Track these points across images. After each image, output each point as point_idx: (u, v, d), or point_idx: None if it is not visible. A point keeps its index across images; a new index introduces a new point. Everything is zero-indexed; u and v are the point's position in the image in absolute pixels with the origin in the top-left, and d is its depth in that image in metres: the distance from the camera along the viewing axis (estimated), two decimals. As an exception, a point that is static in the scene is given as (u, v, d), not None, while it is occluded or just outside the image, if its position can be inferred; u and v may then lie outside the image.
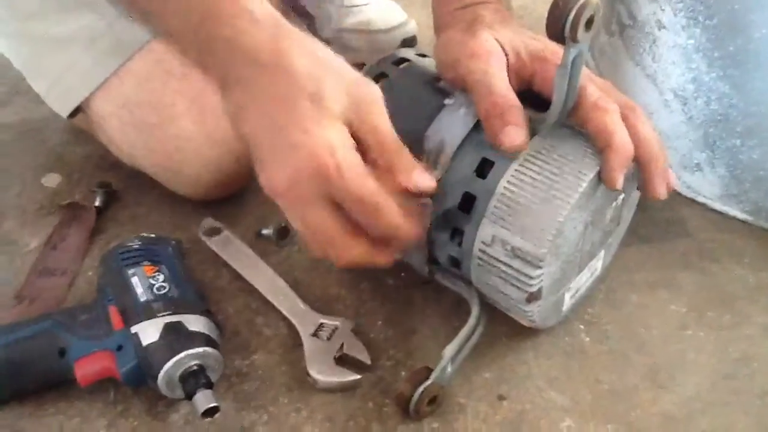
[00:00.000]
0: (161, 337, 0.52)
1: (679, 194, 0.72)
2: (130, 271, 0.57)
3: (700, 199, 0.71)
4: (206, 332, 0.53)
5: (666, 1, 0.66)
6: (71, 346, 0.53)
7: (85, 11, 0.64)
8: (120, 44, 0.63)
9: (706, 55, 0.66)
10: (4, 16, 0.67)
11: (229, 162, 0.66)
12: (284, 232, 0.68)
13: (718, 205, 0.70)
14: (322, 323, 0.58)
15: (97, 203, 0.71)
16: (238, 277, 0.64)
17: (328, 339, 0.57)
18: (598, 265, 0.59)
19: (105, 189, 0.72)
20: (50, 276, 0.65)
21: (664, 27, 0.67)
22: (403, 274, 0.65)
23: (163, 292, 0.55)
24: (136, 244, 0.60)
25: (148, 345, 0.52)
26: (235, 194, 0.71)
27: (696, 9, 0.65)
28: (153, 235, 0.62)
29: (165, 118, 0.64)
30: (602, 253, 0.59)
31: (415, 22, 0.94)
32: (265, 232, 0.68)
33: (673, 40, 0.67)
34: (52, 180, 0.77)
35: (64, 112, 0.68)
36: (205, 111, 0.64)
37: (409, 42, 0.92)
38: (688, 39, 0.66)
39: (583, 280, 0.58)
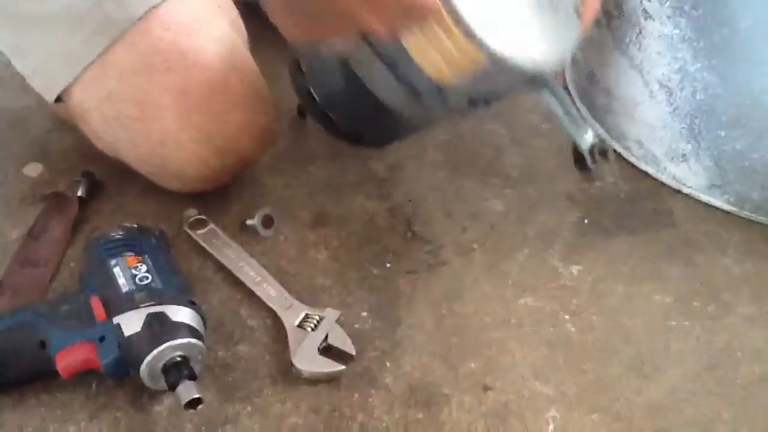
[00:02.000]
0: (144, 327, 0.51)
1: (665, 185, 0.72)
2: (112, 262, 0.57)
3: (686, 189, 0.71)
4: (190, 323, 0.52)
5: (652, -9, 0.66)
6: (52, 337, 0.52)
7: None
8: (108, 23, 0.61)
9: (692, 45, 0.66)
10: None
11: (212, 157, 0.65)
12: (269, 222, 0.67)
13: (703, 196, 0.71)
14: (307, 314, 0.58)
15: (80, 193, 0.70)
16: (222, 268, 0.64)
17: (313, 330, 0.57)
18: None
19: (88, 179, 0.72)
20: (32, 267, 0.65)
21: (650, 17, 0.67)
22: (389, 264, 0.65)
23: (145, 282, 0.55)
24: (118, 234, 0.60)
25: (131, 336, 0.51)
26: (220, 188, 0.71)
27: (682, -1, 0.65)
28: (135, 226, 0.62)
29: (149, 112, 0.63)
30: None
31: None
32: (249, 222, 0.67)
33: (659, 30, 0.67)
34: (34, 169, 0.76)
35: (50, 97, 0.66)
36: (189, 106, 0.63)
37: None
38: (674, 29, 0.66)
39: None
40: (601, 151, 0.58)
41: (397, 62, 0.54)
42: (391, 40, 0.51)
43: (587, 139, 0.57)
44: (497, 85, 0.55)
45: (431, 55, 0.50)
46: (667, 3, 0.65)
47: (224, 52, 0.64)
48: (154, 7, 0.61)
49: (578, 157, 0.59)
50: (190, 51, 0.62)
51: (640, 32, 0.69)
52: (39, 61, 0.65)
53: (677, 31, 0.66)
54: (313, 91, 0.66)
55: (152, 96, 0.62)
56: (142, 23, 0.61)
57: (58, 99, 0.66)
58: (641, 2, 0.68)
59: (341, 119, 0.66)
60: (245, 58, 0.66)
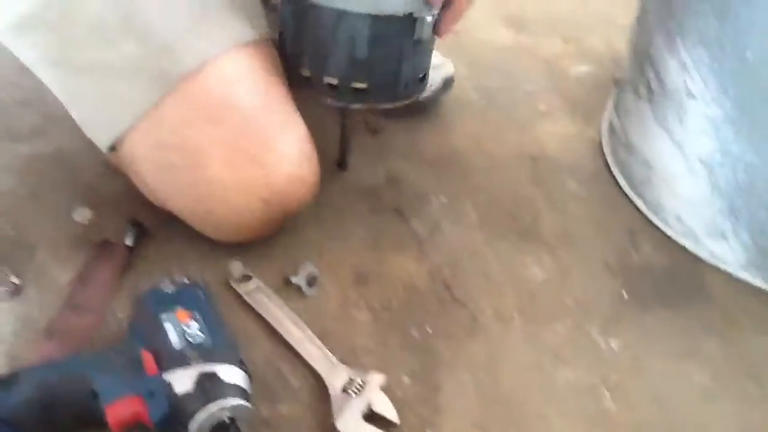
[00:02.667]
0: (195, 386, 0.52)
1: (703, 261, 0.73)
2: (163, 316, 0.58)
3: (723, 266, 0.72)
4: (239, 384, 0.54)
5: (696, 71, 0.67)
6: (103, 388, 0.53)
7: (130, 40, 0.64)
8: (163, 74, 0.64)
9: (735, 126, 0.67)
10: (49, 42, 0.67)
11: (258, 209, 0.67)
12: (312, 280, 0.69)
13: (741, 274, 0.71)
14: (350, 378, 0.59)
15: (127, 241, 0.72)
16: (266, 323, 0.65)
17: (357, 394, 0.58)
18: None
19: (136, 227, 0.73)
20: (80, 312, 0.66)
21: (694, 96, 0.69)
22: (429, 328, 0.66)
23: (196, 339, 0.56)
24: (169, 288, 0.61)
25: (182, 394, 0.52)
26: (264, 239, 0.72)
27: (726, 81, 0.66)
28: (186, 280, 0.63)
29: (197, 162, 0.65)
30: None
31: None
32: (293, 279, 0.69)
33: (702, 110, 0.69)
34: (83, 214, 0.77)
35: (103, 145, 0.68)
36: (237, 157, 0.65)
37: (449, 82, 0.94)
38: (717, 109, 0.68)
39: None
40: None
41: None
42: None
43: None
44: None
45: None
46: (712, 85, 0.67)
47: (272, 106, 0.67)
48: (207, 60, 0.64)
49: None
50: (239, 105, 0.65)
51: (683, 110, 0.70)
52: (94, 109, 0.67)
53: (720, 111, 0.67)
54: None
55: (201, 147, 0.65)
56: (195, 75, 0.64)
57: (110, 147, 0.68)
58: (685, 82, 0.69)
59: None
60: (292, 113, 0.69)
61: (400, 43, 0.69)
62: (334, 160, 0.81)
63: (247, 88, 0.65)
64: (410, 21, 0.67)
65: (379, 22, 0.67)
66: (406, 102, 0.74)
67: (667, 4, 0.70)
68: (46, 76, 0.68)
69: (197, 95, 0.64)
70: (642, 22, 0.77)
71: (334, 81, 0.70)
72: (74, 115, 0.69)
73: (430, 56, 0.74)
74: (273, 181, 0.66)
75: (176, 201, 0.69)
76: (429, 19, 0.68)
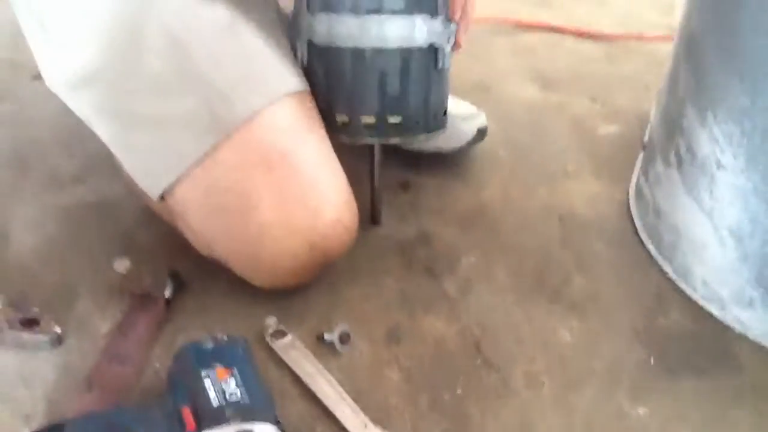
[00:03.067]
0: (233, 445, 0.54)
1: (731, 329, 0.74)
2: (203, 373, 0.59)
3: (752, 335, 0.73)
4: (276, 443, 0.55)
5: (727, 143, 0.69)
6: (145, 444, 0.55)
7: (186, 93, 0.67)
8: (217, 123, 0.66)
9: (765, 198, 0.68)
10: (106, 96, 0.70)
11: (303, 252, 0.69)
12: (346, 338, 0.70)
13: (769, 343, 0.72)
14: (383, 439, 0.60)
15: (166, 293, 0.74)
16: (299, 379, 0.66)
17: (389, 455, 0.59)
18: None
19: (174, 279, 0.76)
20: (119, 364, 0.68)
21: (724, 167, 0.70)
22: (459, 389, 0.67)
23: (234, 398, 0.57)
24: (209, 345, 0.62)
25: (220, 452, 0.54)
26: (303, 286, 0.74)
27: (756, 155, 0.68)
28: (225, 337, 0.65)
29: (248, 206, 0.67)
30: None
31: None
32: (327, 336, 0.70)
33: (732, 182, 0.70)
34: (122, 264, 0.80)
35: (155, 193, 0.70)
36: (287, 202, 0.67)
37: (483, 132, 0.97)
38: (747, 182, 0.69)
39: None
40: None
41: None
42: None
43: None
44: None
45: None
46: (742, 157, 0.68)
47: (317, 154, 0.70)
48: (259, 110, 0.67)
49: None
50: (288, 152, 0.68)
51: (713, 180, 0.72)
52: (147, 159, 0.70)
53: (750, 184, 0.68)
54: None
55: (253, 191, 0.67)
56: (247, 124, 0.67)
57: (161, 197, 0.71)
58: (715, 152, 0.71)
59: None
60: (334, 160, 0.72)
61: (427, 74, 0.75)
62: (367, 214, 0.83)
63: (295, 137, 0.69)
64: (432, 51, 0.74)
65: (408, 55, 0.72)
66: (436, 133, 0.80)
67: (699, 80, 0.72)
68: (101, 128, 0.71)
69: (249, 142, 0.67)
70: (672, 91, 0.79)
71: (371, 120, 0.74)
72: (126, 165, 0.72)
73: (448, 87, 0.80)
74: (318, 225, 0.69)
75: (224, 244, 0.71)
76: (448, 48, 0.74)
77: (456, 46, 0.77)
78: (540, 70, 1.26)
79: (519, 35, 1.39)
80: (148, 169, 0.70)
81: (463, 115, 0.97)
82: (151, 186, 0.70)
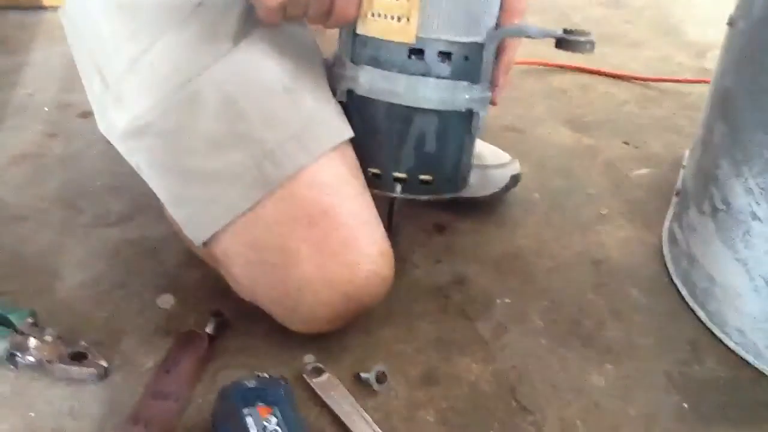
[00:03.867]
0: (275, 484, 0.55)
1: (767, 377, 0.74)
2: (245, 411, 0.61)
3: (788, 384, 0.73)
4: (316, 483, 0.56)
5: (762, 197, 0.70)
6: (190, 481, 0.57)
7: (237, 149, 0.70)
8: (263, 179, 0.69)
9: (800, 248, 0.69)
10: (159, 148, 0.73)
11: (340, 303, 0.71)
12: (382, 378, 0.72)
13: (806, 393, 0.72)
14: (419, 480, 0.61)
15: (209, 331, 0.77)
16: (337, 419, 0.68)
17: (425, 497, 0.60)
18: None
19: (217, 318, 0.78)
20: (163, 400, 0.70)
21: (759, 219, 0.71)
22: (494, 433, 0.68)
23: (276, 436, 0.59)
24: (251, 384, 0.64)
25: (263, 490, 0.55)
26: (339, 329, 0.76)
27: (791, 206, 0.69)
28: (267, 375, 0.67)
29: (289, 261, 0.70)
30: None
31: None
32: (364, 376, 0.72)
33: (767, 233, 0.71)
34: (166, 301, 0.82)
35: (199, 241, 0.73)
36: (326, 257, 0.70)
37: (516, 178, 0.98)
38: (782, 232, 0.70)
39: None
40: None
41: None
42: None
43: None
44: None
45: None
46: (776, 208, 0.69)
47: (357, 209, 0.72)
48: (303, 167, 0.69)
49: None
50: (329, 208, 0.70)
51: (747, 231, 0.72)
52: (194, 210, 0.72)
53: (785, 234, 0.69)
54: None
55: (294, 246, 0.70)
56: (292, 180, 0.69)
57: (204, 243, 0.74)
58: (750, 204, 0.72)
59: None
60: (373, 213, 0.74)
61: (462, 137, 0.76)
62: (405, 259, 0.85)
63: (337, 193, 0.71)
64: (469, 116, 0.75)
65: (447, 117, 0.74)
66: (461, 192, 0.81)
67: (734, 134, 0.73)
68: (150, 177, 0.74)
69: (293, 198, 0.70)
70: (706, 142, 0.80)
71: (403, 175, 0.76)
72: (173, 213, 0.74)
73: (462, 162, 0.80)
74: (355, 279, 0.71)
75: (264, 293, 0.74)
76: (483, 114, 0.75)
77: (492, 104, 0.79)
78: (572, 113, 1.28)
79: (551, 77, 1.42)
80: (192, 218, 0.73)
81: (497, 163, 0.98)
82: (194, 234, 0.73)
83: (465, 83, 0.73)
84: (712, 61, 1.04)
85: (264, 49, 0.72)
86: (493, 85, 0.77)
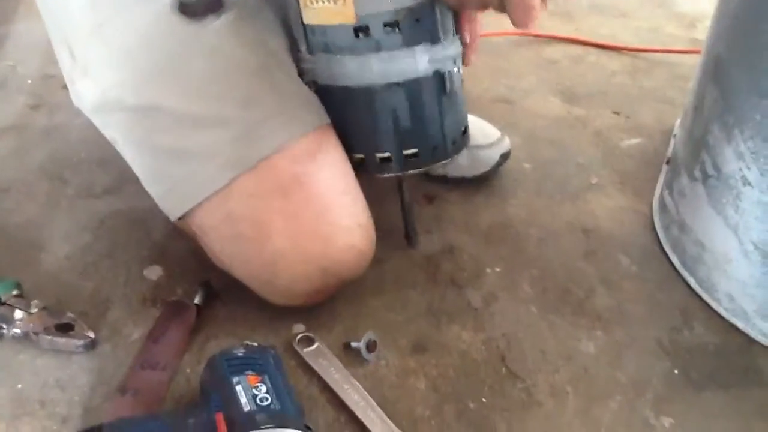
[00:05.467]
0: (265, 450, 0.55)
1: (756, 342, 0.74)
2: (235, 380, 0.61)
3: (777, 349, 0.73)
4: (306, 449, 0.56)
5: (753, 161, 0.70)
6: (178, 448, 0.57)
7: (212, 128, 0.68)
8: (239, 159, 0.68)
9: (790, 213, 0.69)
10: (132, 124, 0.71)
11: (316, 277, 0.70)
12: (372, 347, 0.71)
13: (795, 358, 0.72)
14: (409, 446, 0.61)
15: (196, 301, 0.76)
16: (327, 387, 0.68)
17: (416, 463, 0.60)
18: None
19: (205, 288, 0.77)
20: (152, 370, 0.70)
21: (749, 184, 0.71)
22: (484, 399, 0.68)
23: (265, 403, 0.59)
24: (240, 352, 0.64)
25: (252, 456, 0.55)
26: (328, 299, 0.75)
27: (782, 170, 0.68)
28: (255, 344, 0.66)
29: (262, 234, 0.69)
30: None
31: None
32: (354, 344, 0.71)
33: (758, 197, 0.70)
34: (153, 272, 0.82)
35: (173, 216, 0.73)
36: (300, 229, 0.68)
37: (506, 156, 0.97)
38: (773, 197, 0.69)
39: None
40: None
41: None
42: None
43: None
44: None
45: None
46: (768, 173, 0.69)
47: (334, 179, 0.71)
48: (282, 145, 0.68)
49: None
50: (304, 179, 0.69)
51: (738, 196, 0.72)
52: (169, 186, 0.71)
53: (776, 199, 0.69)
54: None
55: (267, 218, 0.68)
56: (268, 157, 0.68)
57: (180, 217, 0.73)
58: (741, 169, 0.71)
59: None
60: (351, 184, 0.73)
61: (438, 101, 0.73)
62: (395, 229, 0.84)
63: (313, 162, 0.70)
64: (440, 77, 0.72)
65: (413, 87, 0.71)
66: (456, 156, 0.78)
67: (726, 98, 0.73)
68: (126, 152, 0.73)
69: (268, 171, 0.68)
70: (697, 108, 0.80)
71: (387, 155, 0.74)
72: (147, 188, 0.74)
73: (464, 105, 0.78)
74: (330, 251, 0.70)
75: (241, 268, 0.73)
76: (455, 70, 0.73)
77: (465, 64, 0.76)
78: (563, 84, 1.27)
79: (541, 48, 1.40)
80: (167, 194, 0.72)
81: (487, 142, 0.97)
82: (169, 210, 0.73)
83: (422, 47, 0.69)
84: (702, 32, 1.03)
85: (235, 27, 0.70)
86: (462, 41, 0.74)
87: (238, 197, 0.69)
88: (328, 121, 0.73)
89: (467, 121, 0.80)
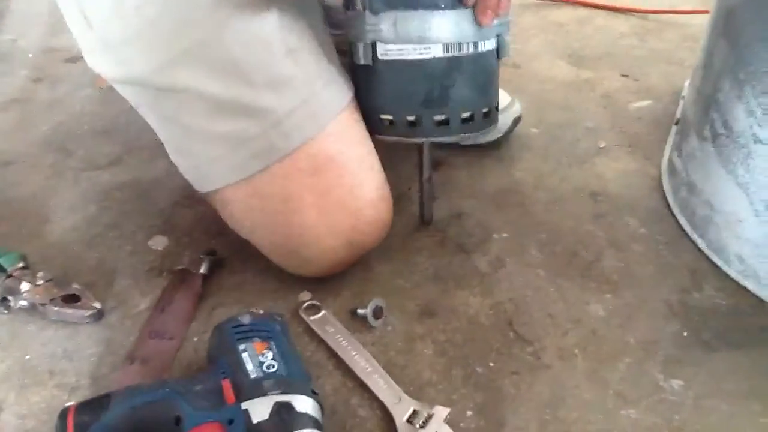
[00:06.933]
0: (271, 415, 0.55)
1: (767, 303, 0.73)
2: (242, 347, 0.61)
3: (788, 309, 0.72)
4: (313, 414, 0.56)
5: (764, 118, 0.68)
6: (186, 415, 0.56)
7: (243, 117, 0.66)
8: (271, 149, 0.67)
9: (802, 171, 0.68)
10: (157, 101, 0.69)
11: (342, 248, 0.71)
12: (379, 313, 0.71)
13: (807, 317, 0.71)
14: (415, 410, 0.61)
15: (203, 270, 0.76)
16: (334, 354, 0.68)
17: (422, 427, 0.60)
18: None
19: (211, 256, 0.77)
20: (159, 338, 0.70)
21: (760, 141, 0.69)
22: (492, 363, 0.67)
23: (272, 370, 0.59)
24: (246, 320, 0.64)
25: (258, 423, 0.54)
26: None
27: (793, 127, 0.67)
28: (262, 311, 0.66)
29: (292, 208, 0.68)
30: None
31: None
32: (360, 311, 0.71)
33: (769, 155, 0.69)
34: (160, 242, 0.82)
35: (200, 190, 0.72)
36: (330, 205, 0.69)
37: (517, 121, 0.96)
38: (785, 155, 0.68)
39: None
40: None
41: None
42: None
43: None
44: None
45: None
46: (779, 130, 0.68)
47: (363, 155, 0.71)
48: (312, 137, 0.67)
49: None
50: (335, 159, 0.69)
51: (749, 154, 0.71)
52: (197, 164, 0.71)
53: (787, 157, 0.68)
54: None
55: (297, 193, 0.68)
56: (299, 147, 0.67)
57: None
58: (751, 126, 0.70)
59: None
60: (375, 161, 0.73)
61: (495, 65, 0.74)
62: (401, 196, 0.84)
63: (342, 144, 0.69)
64: (501, 43, 0.73)
65: (482, 52, 0.71)
66: (487, 131, 0.77)
67: (737, 53, 0.71)
68: (151, 120, 0.72)
69: (298, 159, 0.68)
70: (708, 65, 0.78)
71: (443, 117, 0.73)
72: (174, 159, 0.73)
73: (496, 86, 0.77)
74: (359, 225, 0.71)
75: (264, 239, 0.73)
76: (507, 38, 0.73)
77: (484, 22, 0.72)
78: (570, 47, 1.25)
79: (548, 11, 1.38)
80: (192, 168, 0.72)
81: (499, 106, 0.96)
82: (196, 183, 0.72)
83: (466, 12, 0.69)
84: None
85: (264, 10, 0.66)
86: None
87: (269, 179, 0.68)
88: (352, 93, 0.72)
89: (497, 101, 0.78)
